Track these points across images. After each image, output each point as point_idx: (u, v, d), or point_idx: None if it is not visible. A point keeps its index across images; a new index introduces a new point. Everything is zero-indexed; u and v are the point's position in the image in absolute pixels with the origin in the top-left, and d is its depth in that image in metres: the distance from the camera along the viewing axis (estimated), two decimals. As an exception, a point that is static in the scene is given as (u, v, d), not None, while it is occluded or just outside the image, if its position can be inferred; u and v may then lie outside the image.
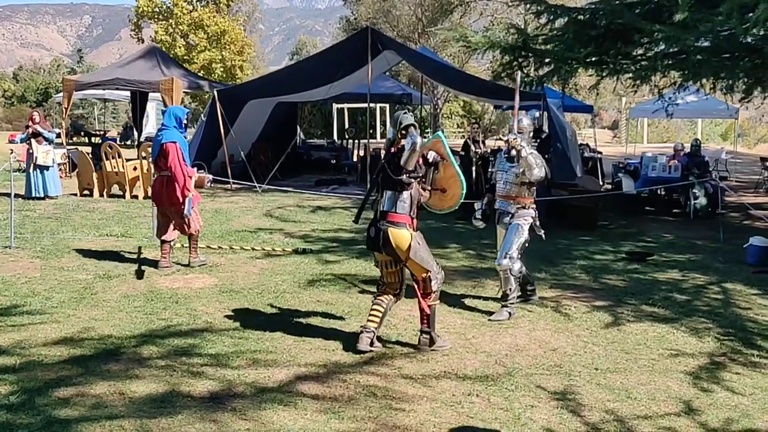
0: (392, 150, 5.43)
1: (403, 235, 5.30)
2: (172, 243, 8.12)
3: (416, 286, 5.49)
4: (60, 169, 14.64)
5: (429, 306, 5.47)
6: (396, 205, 5.34)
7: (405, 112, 5.54)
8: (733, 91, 12.28)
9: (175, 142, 7.78)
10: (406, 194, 5.35)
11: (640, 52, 11.93)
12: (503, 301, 6.49)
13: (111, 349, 5.27)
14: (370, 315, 5.51)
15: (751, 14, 9.00)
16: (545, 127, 13.50)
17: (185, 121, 8.13)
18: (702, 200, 12.98)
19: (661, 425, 4.25)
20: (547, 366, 5.21)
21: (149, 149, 13.86)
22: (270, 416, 4.20)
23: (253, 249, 9.12)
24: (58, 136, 15.48)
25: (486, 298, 7.05)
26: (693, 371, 5.19)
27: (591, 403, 4.54)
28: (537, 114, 11.54)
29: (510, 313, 6.41)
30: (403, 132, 5.36)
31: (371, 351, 5.36)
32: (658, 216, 13.50)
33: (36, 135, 13.04)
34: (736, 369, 5.28)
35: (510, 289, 6.44)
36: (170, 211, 7.96)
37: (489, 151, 13.52)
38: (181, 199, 7.77)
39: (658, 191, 14.09)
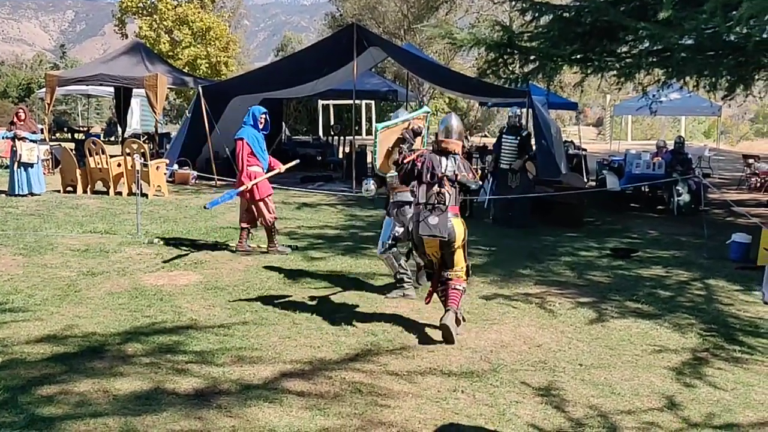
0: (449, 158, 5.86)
1: (461, 224, 5.78)
2: (249, 229, 8.84)
3: (450, 274, 5.83)
4: (43, 166, 14.51)
5: (464, 287, 5.86)
6: (455, 199, 5.82)
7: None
8: (716, 89, 12.39)
9: (242, 139, 8.55)
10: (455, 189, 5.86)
11: (624, 49, 12.00)
12: (398, 284, 6.92)
13: (95, 347, 5.24)
14: (450, 299, 5.74)
15: (734, 12, 9.06)
16: (530, 125, 13.58)
17: (261, 119, 8.64)
18: (685, 197, 13.08)
19: (644, 420, 4.28)
20: (531, 362, 5.23)
21: (134, 145, 13.83)
22: (255, 413, 4.19)
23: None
24: (42, 131, 15.35)
25: (472, 295, 7.06)
26: (676, 367, 5.23)
27: (575, 399, 4.57)
28: (518, 111, 11.63)
29: (404, 294, 6.84)
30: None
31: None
32: (642, 213, 13.59)
33: (20, 138, 12.94)
34: (718, 364, 5.33)
35: (397, 273, 6.88)
36: (247, 200, 8.64)
37: (474, 146, 13.56)
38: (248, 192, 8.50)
39: (642, 188, 14.18)
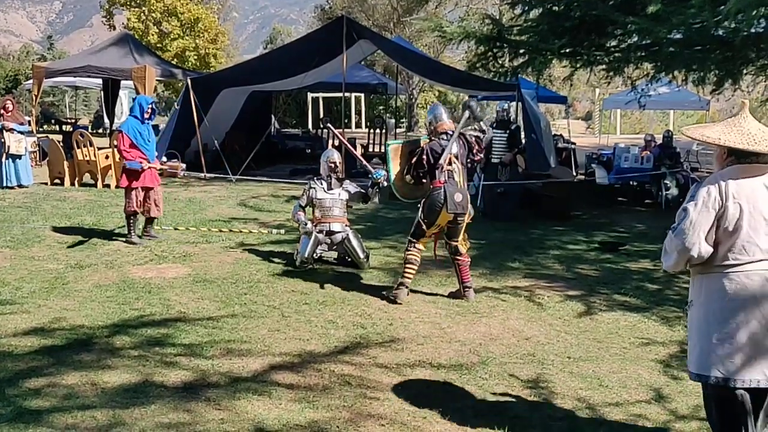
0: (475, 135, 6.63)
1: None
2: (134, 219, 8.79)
3: (459, 248, 6.54)
4: (30, 158, 14.42)
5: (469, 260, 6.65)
6: (465, 176, 6.54)
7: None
8: (705, 83, 12.42)
9: (121, 131, 8.68)
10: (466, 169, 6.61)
11: (613, 43, 12.02)
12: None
13: (83, 339, 5.22)
14: (406, 271, 6.49)
15: (722, 7, 9.09)
16: (519, 119, 13.60)
17: (148, 110, 8.67)
18: (673, 191, 13.13)
19: (632, 412, 4.31)
20: (520, 355, 5.25)
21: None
22: (244, 406, 4.19)
23: (231, 230, 9.36)
24: (29, 123, 15.25)
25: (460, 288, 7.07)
26: (663, 359, 5.26)
27: (563, 392, 4.59)
28: (506, 105, 11.67)
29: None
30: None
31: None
32: (631, 206, 13.64)
33: (8, 130, 12.86)
34: (705, 357, 5.36)
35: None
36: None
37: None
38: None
39: (631, 182, 14.23)
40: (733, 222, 3.31)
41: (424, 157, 6.37)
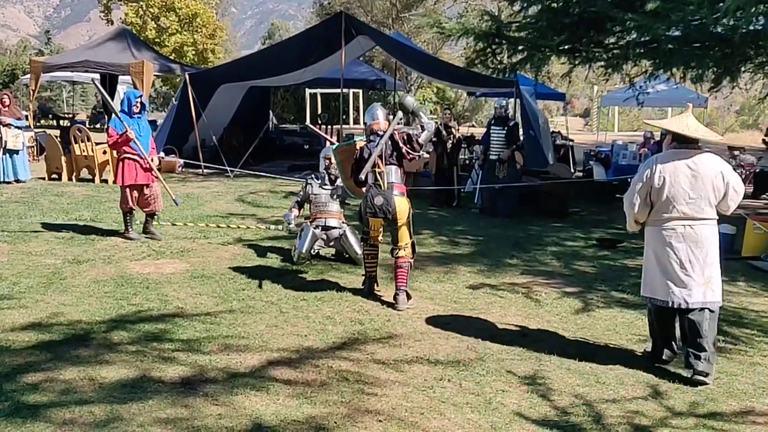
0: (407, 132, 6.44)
1: (405, 203, 6.32)
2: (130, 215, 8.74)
3: (398, 251, 6.33)
4: (28, 153, 14.40)
5: (410, 263, 6.39)
6: (399, 177, 6.38)
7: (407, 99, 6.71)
8: (703, 81, 12.40)
9: (110, 128, 8.52)
10: (402, 168, 6.45)
11: (612, 40, 12.00)
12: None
13: (80, 335, 5.21)
14: (365, 265, 6.66)
15: (721, 4, 9.08)
16: (518, 115, 13.61)
17: (136, 103, 8.56)
18: (671, 188, 13.13)
19: (629, 409, 4.32)
20: (517, 351, 5.25)
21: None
22: (242, 401, 4.19)
23: (229, 226, 9.36)
24: (27, 118, 15.23)
25: (458, 284, 7.08)
26: (660, 356, 5.27)
27: (560, 388, 4.59)
28: (504, 102, 11.71)
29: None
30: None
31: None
32: (628, 203, 13.63)
33: (5, 125, 12.84)
34: (702, 354, 5.36)
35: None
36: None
37: (462, 136, 13.59)
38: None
39: (629, 179, 14.23)
40: (657, 189, 4.74)
41: (356, 158, 6.44)
